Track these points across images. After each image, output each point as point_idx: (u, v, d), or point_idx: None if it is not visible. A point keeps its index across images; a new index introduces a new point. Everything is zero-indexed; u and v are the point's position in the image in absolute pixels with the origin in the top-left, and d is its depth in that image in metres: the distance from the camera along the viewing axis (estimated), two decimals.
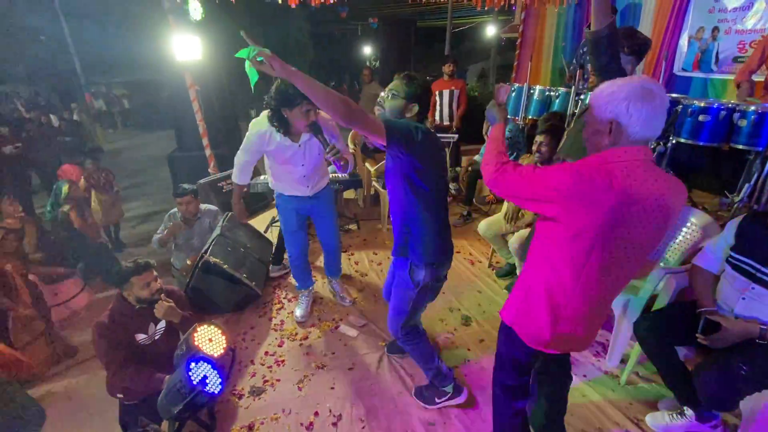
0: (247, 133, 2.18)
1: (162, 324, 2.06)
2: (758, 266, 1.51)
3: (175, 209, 3.02)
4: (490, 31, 12.73)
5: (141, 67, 12.90)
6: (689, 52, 3.76)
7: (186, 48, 3.86)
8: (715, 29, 3.54)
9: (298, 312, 2.64)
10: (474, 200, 4.07)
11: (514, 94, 4.13)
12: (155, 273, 1.97)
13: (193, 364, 1.79)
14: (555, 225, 1.12)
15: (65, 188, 3.65)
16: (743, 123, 2.60)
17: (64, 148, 7.06)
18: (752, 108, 2.56)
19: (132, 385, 1.88)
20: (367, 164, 4.48)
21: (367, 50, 17.85)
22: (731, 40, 3.45)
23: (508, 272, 3.05)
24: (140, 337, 1.99)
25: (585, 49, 4.03)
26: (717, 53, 3.55)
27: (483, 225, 2.92)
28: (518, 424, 1.45)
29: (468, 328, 2.52)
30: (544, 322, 1.20)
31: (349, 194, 4.77)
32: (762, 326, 1.47)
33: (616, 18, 3.97)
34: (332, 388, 2.08)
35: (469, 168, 4.02)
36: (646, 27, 4.07)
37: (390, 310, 1.83)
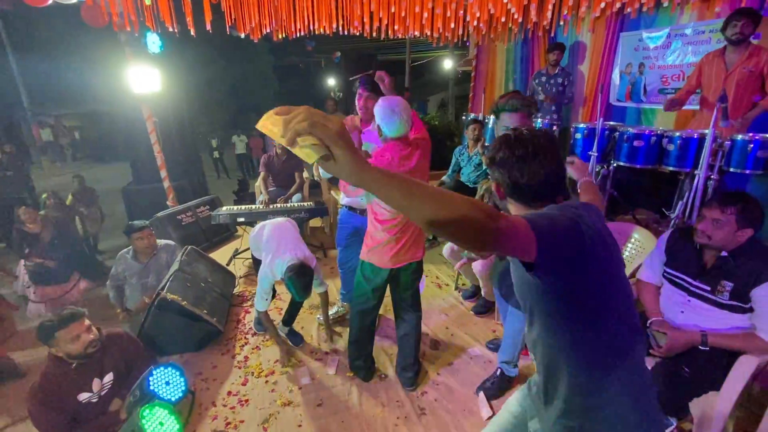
0: None
1: (110, 377, 1.88)
2: (690, 280, 1.65)
3: (124, 251, 2.86)
4: (448, 64, 13.51)
5: (95, 98, 12.48)
6: (621, 84, 4.18)
7: (144, 80, 3.80)
8: (641, 65, 3.98)
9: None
10: None
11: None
12: (87, 322, 1.77)
13: (147, 411, 1.67)
14: None
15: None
16: (671, 147, 2.89)
17: (5, 183, 6.58)
18: (677, 134, 2.86)
19: None
20: (332, 192, 4.51)
21: (331, 82, 18.30)
22: (655, 75, 3.89)
23: (474, 294, 3.12)
24: (84, 396, 1.79)
25: (536, 81, 4.40)
26: (645, 85, 3.97)
27: (447, 249, 3.00)
28: None
29: (436, 352, 2.52)
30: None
31: (315, 222, 4.75)
32: (702, 333, 1.59)
33: (566, 54, 4.34)
34: (300, 425, 2.00)
35: None
36: (586, 63, 4.51)
37: None
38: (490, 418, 1.98)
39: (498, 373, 2.16)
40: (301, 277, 2.18)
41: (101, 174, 11.90)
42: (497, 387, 2.13)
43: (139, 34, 3.78)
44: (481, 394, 2.11)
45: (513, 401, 1.25)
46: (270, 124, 0.59)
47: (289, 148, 0.58)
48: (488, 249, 0.70)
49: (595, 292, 0.85)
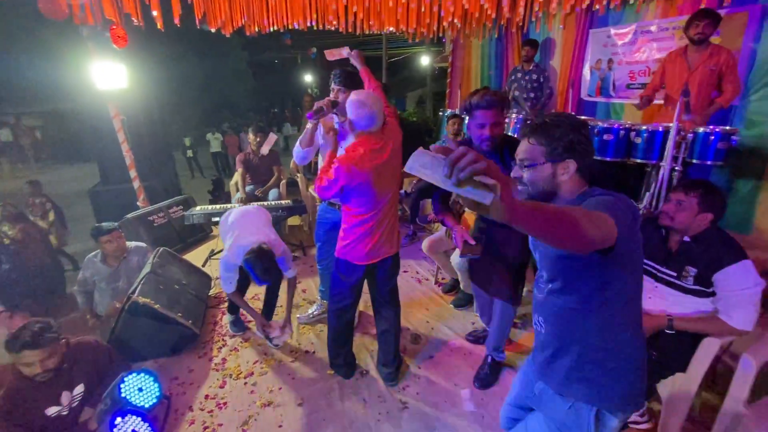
0: None
1: (80, 388, 1.81)
2: (657, 266, 1.72)
3: (92, 255, 2.74)
4: (425, 60, 13.57)
5: (57, 96, 11.88)
6: (591, 80, 4.30)
7: (109, 76, 3.64)
8: (610, 61, 4.11)
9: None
10: (417, 220, 4.19)
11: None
12: (46, 352, 1.63)
13: (119, 419, 1.61)
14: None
15: None
16: (638, 140, 2.99)
17: None
18: (644, 128, 2.96)
19: None
20: (310, 189, 4.45)
21: (308, 78, 18.07)
22: (623, 70, 4.01)
23: (453, 287, 3.15)
24: (53, 410, 1.72)
25: (512, 78, 4.47)
26: (613, 81, 4.10)
27: (426, 243, 3.01)
28: None
29: (417, 346, 2.54)
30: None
31: (293, 221, 4.69)
32: (669, 318, 1.66)
33: (538, 50, 4.42)
34: (280, 426, 1.97)
35: (411, 189, 4.16)
36: (557, 59, 4.61)
37: None
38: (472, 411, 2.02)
39: (489, 360, 2.22)
40: (259, 260, 2.06)
41: (67, 175, 11.39)
42: (491, 374, 2.20)
43: (102, 28, 3.61)
44: (466, 390, 2.15)
45: (515, 379, 1.39)
46: (420, 166, 0.62)
47: (454, 189, 0.61)
48: (588, 250, 0.83)
49: (636, 261, 1.03)
